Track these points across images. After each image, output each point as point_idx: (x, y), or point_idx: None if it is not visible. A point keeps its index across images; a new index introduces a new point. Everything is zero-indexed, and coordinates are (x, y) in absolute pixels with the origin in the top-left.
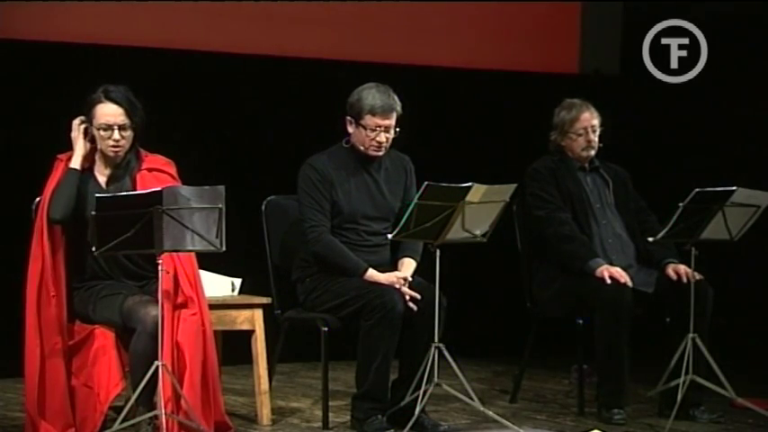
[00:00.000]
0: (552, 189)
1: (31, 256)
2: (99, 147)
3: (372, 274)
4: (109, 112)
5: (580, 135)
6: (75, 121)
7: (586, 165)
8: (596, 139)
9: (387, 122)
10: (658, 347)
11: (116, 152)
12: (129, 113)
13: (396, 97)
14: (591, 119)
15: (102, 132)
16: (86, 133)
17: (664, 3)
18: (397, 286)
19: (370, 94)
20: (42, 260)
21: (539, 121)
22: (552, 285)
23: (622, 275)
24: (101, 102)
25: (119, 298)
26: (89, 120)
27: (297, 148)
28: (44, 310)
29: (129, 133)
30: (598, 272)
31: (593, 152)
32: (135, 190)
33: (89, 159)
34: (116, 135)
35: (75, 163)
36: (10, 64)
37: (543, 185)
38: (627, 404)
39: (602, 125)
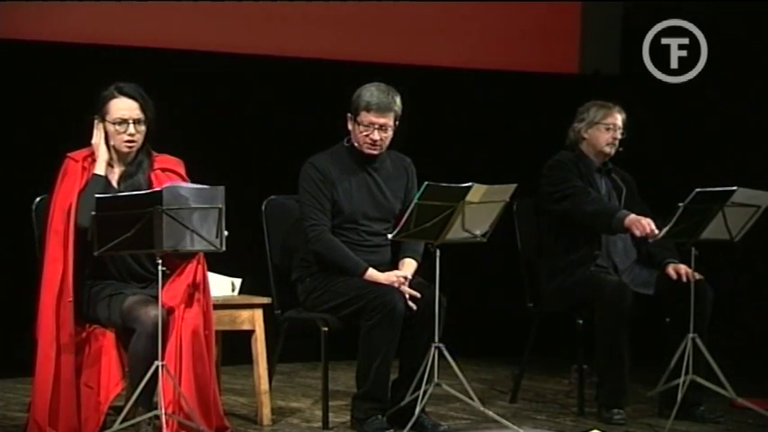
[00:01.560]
0: (576, 179)
1: (48, 259)
2: (111, 143)
3: (372, 273)
4: (124, 107)
5: (609, 129)
6: (98, 128)
7: (601, 166)
8: (619, 138)
9: (381, 120)
10: (658, 347)
11: (130, 147)
12: (143, 108)
13: (396, 97)
14: (620, 120)
15: (116, 127)
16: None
17: (664, 3)
18: (397, 285)
19: (369, 91)
20: (64, 263)
21: (539, 121)
22: (554, 280)
23: (649, 224)
24: (114, 97)
25: (119, 298)
26: (101, 116)
27: (297, 148)
28: (62, 315)
29: (142, 128)
30: (627, 221)
31: (612, 151)
32: (151, 189)
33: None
34: (131, 129)
35: (101, 169)
36: (10, 64)
37: (568, 174)
38: (627, 404)
39: (622, 134)
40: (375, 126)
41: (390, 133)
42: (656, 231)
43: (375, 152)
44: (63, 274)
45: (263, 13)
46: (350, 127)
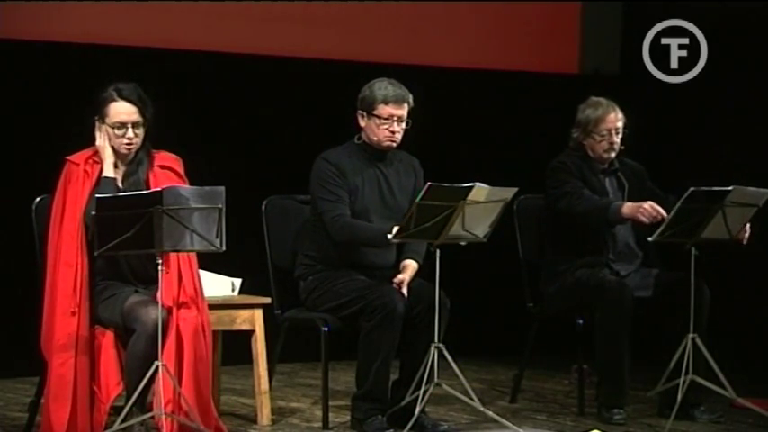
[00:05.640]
0: (574, 179)
1: (61, 263)
2: (111, 144)
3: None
4: (122, 111)
5: (603, 136)
6: (101, 130)
7: (607, 166)
8: (618, 141)
9: (399, 112)
10: (658, 347)
11: (129, 149)
12: (141, 111)
13: (406, 90)
14: (616, 120)
15: (116, 131)
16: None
17: (664, 3)
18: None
19: (382, 86)
20: (80, 268)
21: (539, 120)
22: (555, 282)
23: (652, 207)
24: (114, 100)
25: (120, 298)
26: (101, 118)
27: (296, 148)
28: (80, 318)
29: (141, 131)
30: (626, 211)
31: (614, 154)
32: (148, 188)
33: (101, 159)
34: (130, 133)
35: (109, 171)
36: (10, 64)
37: (566, 175)
38: (627, 404)
39: (625, 127)
40: (394, 118)
41: (404, 127)
42: (663, 212)
43: (393, 145)
44: (80, 278)
45: (263, 13)
46: (362, 124)
